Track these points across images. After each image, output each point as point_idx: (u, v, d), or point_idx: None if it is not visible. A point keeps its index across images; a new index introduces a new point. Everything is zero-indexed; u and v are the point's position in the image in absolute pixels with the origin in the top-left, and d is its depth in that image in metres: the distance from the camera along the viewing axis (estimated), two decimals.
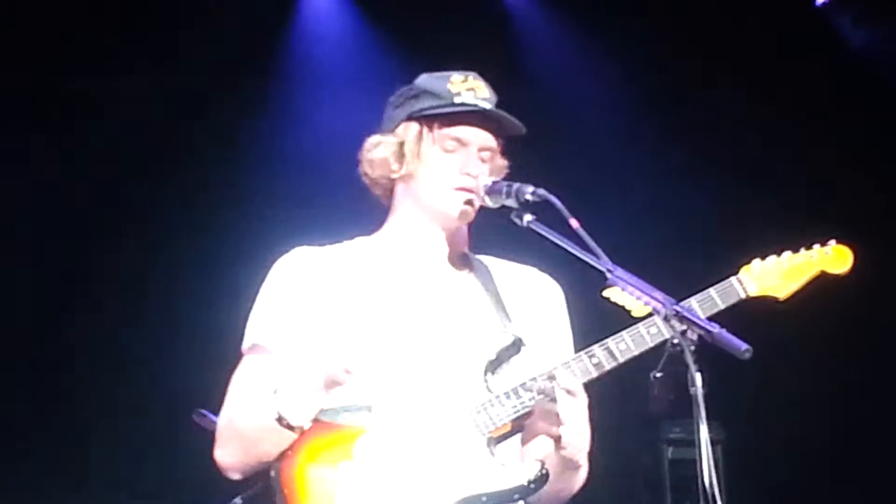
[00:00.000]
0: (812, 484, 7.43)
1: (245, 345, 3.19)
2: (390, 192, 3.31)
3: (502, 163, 3.30)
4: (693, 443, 2.77)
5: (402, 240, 3.28)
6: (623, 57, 7.36)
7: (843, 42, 7.71)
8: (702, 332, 2.83)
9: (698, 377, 2.76)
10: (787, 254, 3.36)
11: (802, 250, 3.37)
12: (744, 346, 2.77)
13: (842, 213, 6.89)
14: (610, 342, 3.14)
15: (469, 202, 3.22)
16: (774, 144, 7.53)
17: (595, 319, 3.20)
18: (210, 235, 6.77)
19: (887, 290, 7.23)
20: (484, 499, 3.06)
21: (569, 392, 3.02)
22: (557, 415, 3.03)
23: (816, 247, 3.38)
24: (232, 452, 3.09)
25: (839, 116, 7.56)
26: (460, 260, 3.32)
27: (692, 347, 2.81)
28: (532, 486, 3.08)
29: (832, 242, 3.40)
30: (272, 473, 3.02)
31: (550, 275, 3.40)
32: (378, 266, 3.24)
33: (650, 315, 3.06)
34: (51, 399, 6.74)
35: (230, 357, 3.23)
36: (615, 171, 7.38)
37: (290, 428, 3.01)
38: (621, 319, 3.14)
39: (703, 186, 7.37)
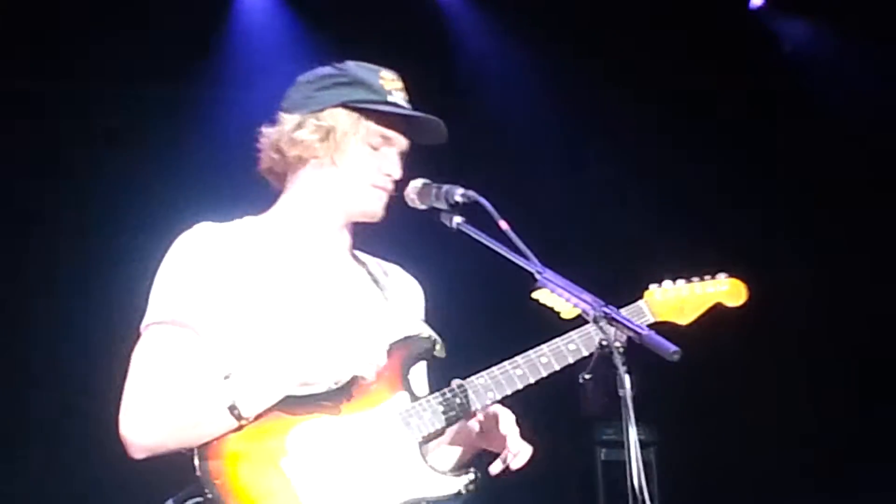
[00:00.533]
0: (745, 486, 7.49)
1: (157, 318, 3.04)
2: (286, 172, 3.26)
3: None
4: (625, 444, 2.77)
5: (305, 224, 3.23)
6: (550, 58, 7.38)
7: (776, 48, 7.79)
8: (631, 334, 2.81)
9: (627, 379, 2.75)
10: (682, 282, 3.43)
11: (696, 280, 3.45)
12: (672, 347, 2.76)
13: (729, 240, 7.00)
14: (532, 354, 3.18)
15: (383, 202, 3.22)
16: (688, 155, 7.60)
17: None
18: (142, 235, 6.66)
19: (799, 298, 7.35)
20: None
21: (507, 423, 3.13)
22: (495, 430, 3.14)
23: (708, 278, 3.47)
24: (155, 431, 2.96)
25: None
26: (354, 253, 3.33)
27: (621, 349, 2.79)
28: (468, 493, 3.10)
29: (722, 275, 3.48)
30: (197, 462, 2.93)
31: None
32: (285, 249, 3.19)
33: (579, 317, 3.06)
34: None
35: None
36: (533, 172, 7.41)
37: (240, 419, 2.94)
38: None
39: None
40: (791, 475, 7.44)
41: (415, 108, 3.26)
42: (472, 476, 3.11)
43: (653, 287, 3.40)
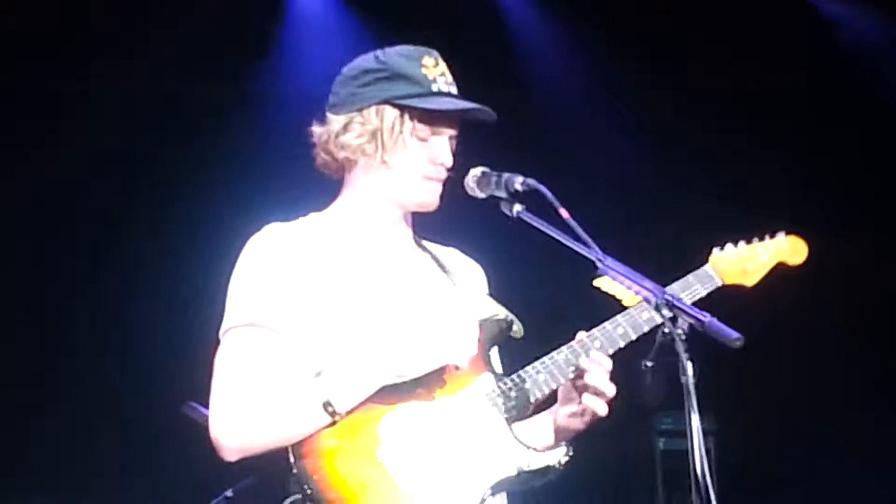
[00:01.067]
0: (804, 475, 7.43)
1: (237, 321, 3.06)
2: (342, 168, 3.26)
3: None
4: (684, 433, 2.75)
5: (367, 219, 3.24)
6: (606, 53, 7.37)
7: (829, 35, 7.73)
8: (693, 321, 2.80)
9: (689, 366, 2.74)
10: (743, 244, 3.42)
11: (756, 240, 3.44)
12: (735, 334, 2.75)
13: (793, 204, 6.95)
14: (608, 325, 3.18)
15: (437, 192, 3.22)
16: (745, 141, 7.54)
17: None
18: (191, 235, 6.74)
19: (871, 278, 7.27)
20: (520, 478, 3.08)
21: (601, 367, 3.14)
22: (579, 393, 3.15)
23: (768, 238, 3.45)
24: (248, 432, 2.97)
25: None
26: (417, 241, 3.34)
27: (683, 336, 2.78)
28: (561, 466, 3.11)
29: (782, 234, 3.46)
30: (292, 459, 2.95)
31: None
32: (352, 243, 3.20)
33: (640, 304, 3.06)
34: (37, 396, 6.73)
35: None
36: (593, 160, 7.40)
37: (334, 415, 2.96)
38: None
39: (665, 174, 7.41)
40: (855, 463, 7.37)
41: (460, 91, 3.24)
42: (565, 449, 3.12)
43: (716, 251, 3.38)
